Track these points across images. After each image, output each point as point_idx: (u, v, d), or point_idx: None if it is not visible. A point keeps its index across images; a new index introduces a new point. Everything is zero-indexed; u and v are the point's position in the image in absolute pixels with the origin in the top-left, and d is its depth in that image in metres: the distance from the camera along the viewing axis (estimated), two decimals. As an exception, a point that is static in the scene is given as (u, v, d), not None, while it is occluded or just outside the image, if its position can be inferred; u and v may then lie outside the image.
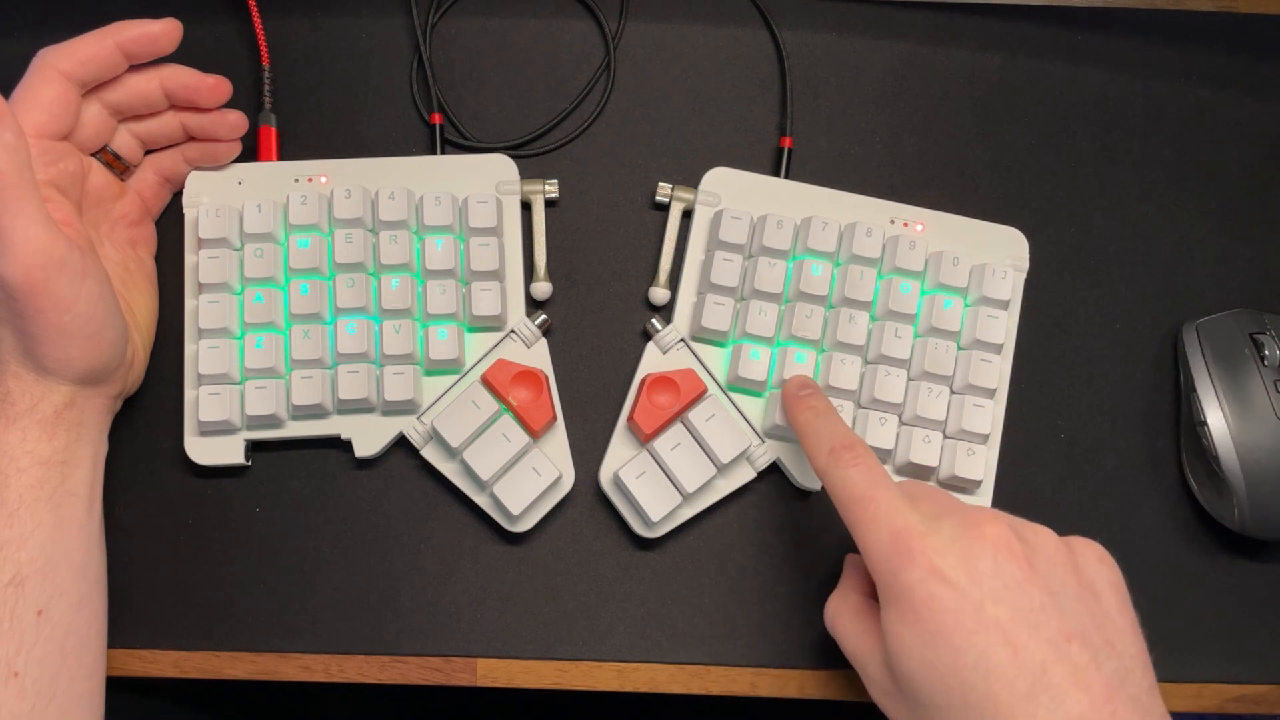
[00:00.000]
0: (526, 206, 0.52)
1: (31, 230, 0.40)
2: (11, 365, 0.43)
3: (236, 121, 0.49)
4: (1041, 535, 0.40)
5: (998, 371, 0.50)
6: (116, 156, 0.49)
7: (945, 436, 0.50)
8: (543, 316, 0.51)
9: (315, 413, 0.49)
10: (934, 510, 0.40)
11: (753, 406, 0.50)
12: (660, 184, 0.52)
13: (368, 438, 0.49)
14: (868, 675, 0.41)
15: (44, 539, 0.42)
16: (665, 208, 0.53)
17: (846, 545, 0.50)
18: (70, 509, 0.44)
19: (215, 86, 0.48)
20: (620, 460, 0.49)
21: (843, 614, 0.44)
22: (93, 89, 0.46)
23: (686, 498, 0.48)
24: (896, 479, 0.50)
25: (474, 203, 0.50)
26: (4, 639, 0.41)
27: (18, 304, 0.41)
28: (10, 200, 0.40)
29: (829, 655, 0.49)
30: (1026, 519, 0.40)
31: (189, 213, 0.50)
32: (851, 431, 0.44)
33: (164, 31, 0.46)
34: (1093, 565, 0.40)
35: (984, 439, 0.50)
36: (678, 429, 0.48)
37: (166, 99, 0.48)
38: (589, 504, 0.51)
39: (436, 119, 0.53)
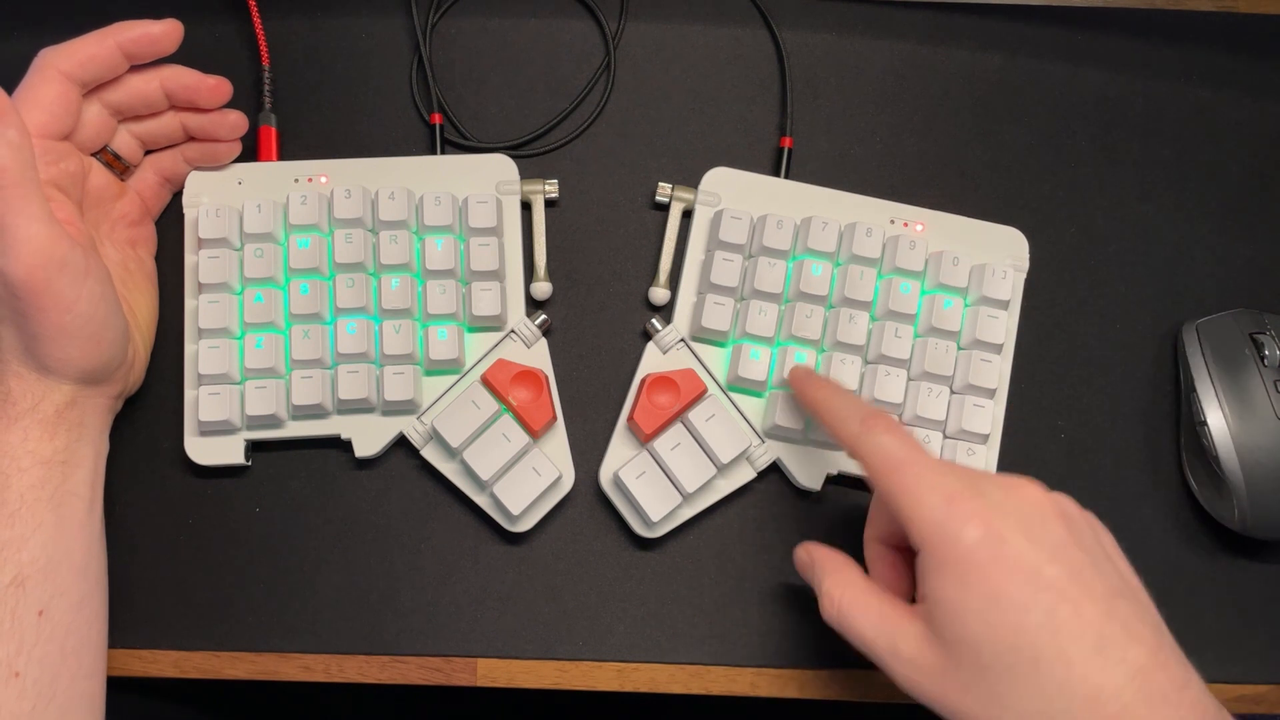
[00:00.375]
0: (526, 206, 0.52)
1: (35, 229, 0.40)
2: (13, 364, 0.43)
3: (236, 122, 0.49)
4: (1064, 500, 0.40)
5: (998, 371, 0.50)
6: (116, 156, 0.49)
7: (945, 436, 0.50)
8: (543, 316, 0.51)
9: (315, 413, 0.49)
10: (969, 475, 0.40)
11: (753, 406, 0.50)
12: (660, 184, 0.52)
13: (368, 438, 0.49)
14: (900, 655, 0.39)
15: (45, 539, 0.42)
16: (665, 208, 0.53)
17: (847, 545, 0.50)
18: (71, 509, 0.44)
19: (215, 87, 0.48)
20: (620, 460, 0.49)
21: (853, 602, 0.42)
22: (93, 89, 0.46)
23: (686, 498, 0.48)
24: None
25: (474, 203, 0.50)
26: (5, 639, 0.41)
27: (20, 302, 0.41)
28: (14, 199, 0.40)
29: (829, 655, 0.49)
30: None
31: (189, 213, 0.50)
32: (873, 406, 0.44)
33: (165, 32, 0.46)
34: (1099, 529, 0.41)
35: (984, 439, 0.50)
36: (678, 429, 0.48)
37: (167, 99, 0.48)
38: (589, 504, 0.51)
39: (436, 119, 0.53)
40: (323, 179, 0.51)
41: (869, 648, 0.41)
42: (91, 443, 0.45)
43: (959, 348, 0.50)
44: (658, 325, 0.51)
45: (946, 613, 0.38)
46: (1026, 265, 0.52)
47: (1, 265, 0.40)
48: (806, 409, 0.46)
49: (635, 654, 0.49)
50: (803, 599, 0.50)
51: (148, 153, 0.51)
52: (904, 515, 0.39)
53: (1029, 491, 0.39)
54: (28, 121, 0.43)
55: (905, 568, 0.44)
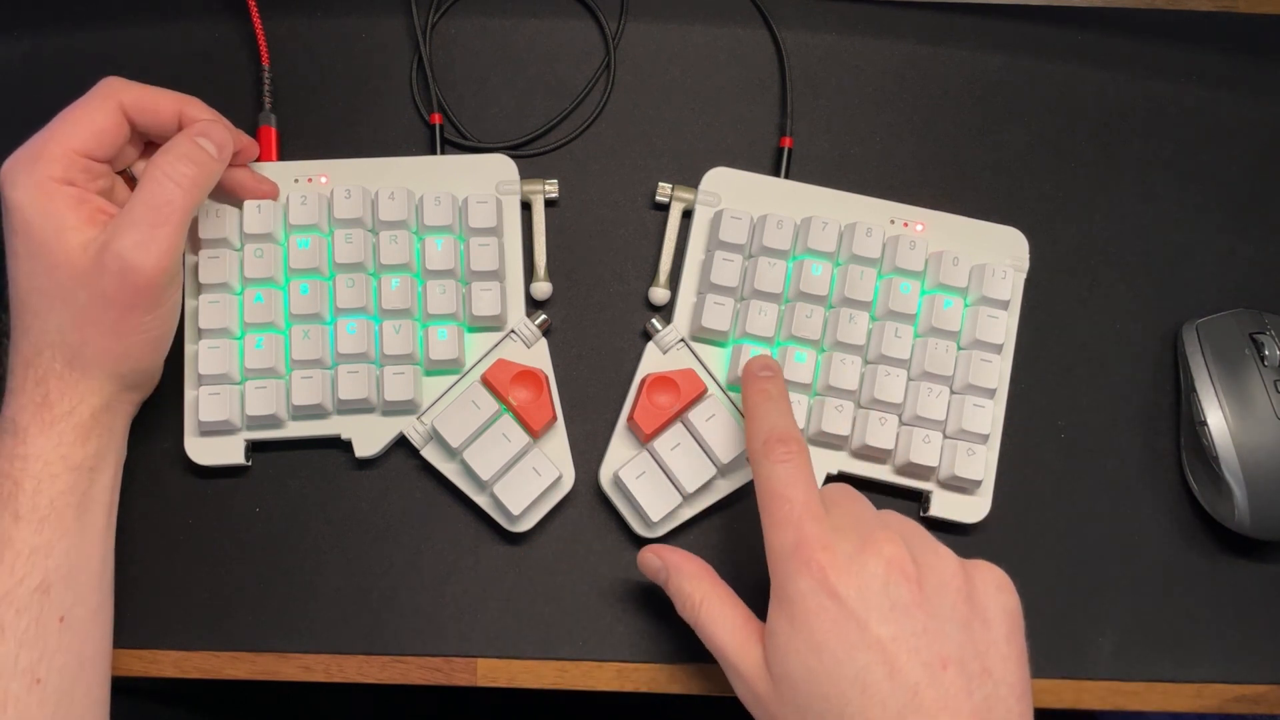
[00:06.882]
0: (526, 206, 0.52)
1: (176, 240, 0.43)
2: (56, 365, 0.43)
3: (248, 151, 0.50)
4: (940, 558, 0.40)
5: (998, 371, 0.50)
6: (133, 176, 0.49)
7: (945, 436, 0.50)
8: (543, 316, 0.51)
9: (315, 413, 0.49)
10: (842, 521, 0.40)
11: (753, 406, 0.50)
12: (660, 184, 0.52)
13: (368, 438, 0.49)
14: (740, 673, 0.41)
15: (69, 546, 0.42)
16: (665, 208, 0.53)
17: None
18: (93, 516, 0.44)
19: (246, 149, 0.49)
20: (620, 460, 0.49)
21: (712, 609, 0.43)
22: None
23: (686, 498, 0.48)
24: (894, 479, 0.50)
25: (474, 203, 0.50)
26: (29, 645, 0.41)
27: (125, 294, 0.42)
28: (175, 221, 0.43)
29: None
30: (932, 539, 0.41)
31: (189, 213, 0.50)
32: (794, 424, 0.43)
33: (246, 146, 0.49)
34: (990, 592, 0.40)
35: (984, 439, 0.50)
36: (678, 429, 0.48)
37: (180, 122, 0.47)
38: (589, 504, 0.51)
39: (436, 119, 0.53)
40: (323, 179, 0.51)
41: (719, 655, 0.42)
42: (116, 449, 0.46)
43: (959, 348, 0.50)
44: (658, 325, 0.51)
45: (776, 648, 0.39)
46: (1026, 265, 0.52)
47: (137, 257, 0.42)
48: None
49: (635, 654, 0.49)
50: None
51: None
52: (765, 543, 0.41)
53: (884, 548, 0.39)
54: (77, 142, 0.44)
55: None
